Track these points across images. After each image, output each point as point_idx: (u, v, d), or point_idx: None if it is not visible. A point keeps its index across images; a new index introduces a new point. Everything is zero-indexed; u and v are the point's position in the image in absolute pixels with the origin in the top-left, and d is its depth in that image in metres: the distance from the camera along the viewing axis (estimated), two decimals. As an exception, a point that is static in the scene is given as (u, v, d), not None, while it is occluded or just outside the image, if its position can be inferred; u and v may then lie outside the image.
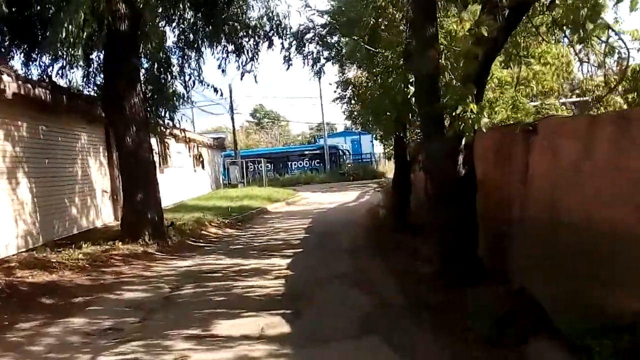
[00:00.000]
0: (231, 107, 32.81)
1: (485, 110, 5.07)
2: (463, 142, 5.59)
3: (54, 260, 8.72)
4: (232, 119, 32.94)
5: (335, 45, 18.37)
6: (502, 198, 5.99)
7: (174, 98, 12.12)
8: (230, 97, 32.93)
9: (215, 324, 5.54)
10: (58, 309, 6.45)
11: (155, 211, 11.30)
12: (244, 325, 5.42)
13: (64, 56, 10.13)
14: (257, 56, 13.59)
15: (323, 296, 6.59)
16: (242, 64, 13.70)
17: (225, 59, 13.62)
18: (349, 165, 42.63)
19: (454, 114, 5.05)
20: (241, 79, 13.63)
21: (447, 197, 5.78)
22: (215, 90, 13.08)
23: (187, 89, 12.65)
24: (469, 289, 5.33)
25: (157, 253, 10.46)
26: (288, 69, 16.73)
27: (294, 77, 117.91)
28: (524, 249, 5.42)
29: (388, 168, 44.97)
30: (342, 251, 9.83)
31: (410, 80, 7.44)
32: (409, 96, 7.18)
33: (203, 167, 27.54)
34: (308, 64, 17.65)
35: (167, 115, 12.38)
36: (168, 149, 20.77)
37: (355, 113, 31.65)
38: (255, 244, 11.66)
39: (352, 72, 28.60)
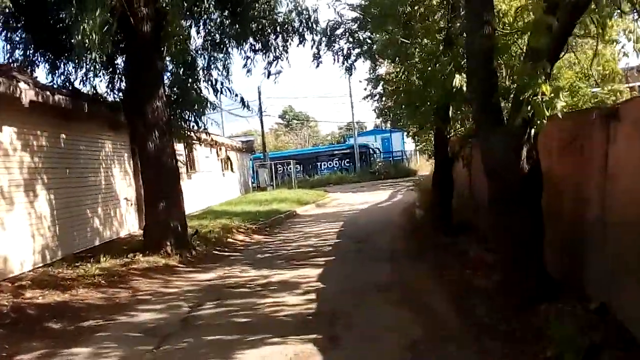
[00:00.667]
0: (260, 110, 32.17)
1: (562, 92, 4.06)
2: (530, 132, 4.58)
3: (69, 277, 8.05)
4: (261, 120, 32.31)
5: (367, 40, 17.41)
6: (573, 197, 4.97)
7: (200, 102, 11.36)
8: (259, 99, 32.33)
9: (235, 354, 4.70)
10: (64, 336, 5.72)
11: (178, 220, 10.57)
12: (269, 357, 4.56)
13: (86, 61, 9.58)
14: (285, 53, 12.75)
15: (361, 316, 5.65)
16: (269, 62, 12.87)
17: (252, 59, 12.83)
18: (380, 164, 41.49)
19: (521, 97, 4.08)
20: (267, 77, 12.73)
21: (511, 198, 4.79)
22: (243, 101, 12.32)
23: (216, 94, 11.89)
24: (541, 308, 4.34)
25: (179, 265, 9.73)
26: (318, 66, 15.86)
27: (324, 77, 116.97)
28: (604, 257, 4.41)
29: (420, 166, 43.73)
30: (379, 257, 8.89)
31: (460, 65, 6.48)
32: (454, 84, 6.19)
33: (232, 170, 26.96)
34: (338, 61, 16.75)
35: (192, 119, 11.64)
36: (195, 153, 20.17)
37: (387, 110, 30.68)
38: (283, 252, 10.82)
39: (383, 68, 27.70)
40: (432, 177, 9.75)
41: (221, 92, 11.68)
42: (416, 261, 7.89)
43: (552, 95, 3.82)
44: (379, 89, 31.15)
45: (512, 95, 4.80)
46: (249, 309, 6.29)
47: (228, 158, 25.17)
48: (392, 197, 23.12)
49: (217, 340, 5.20)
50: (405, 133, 40.72)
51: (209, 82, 11.72)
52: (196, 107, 11.04)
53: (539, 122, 4.06)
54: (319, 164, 41.68)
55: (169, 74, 11.44)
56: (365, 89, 32.26)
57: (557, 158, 5.34)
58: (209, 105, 11.49)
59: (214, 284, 8.00)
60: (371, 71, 29.87)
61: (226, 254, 11.15)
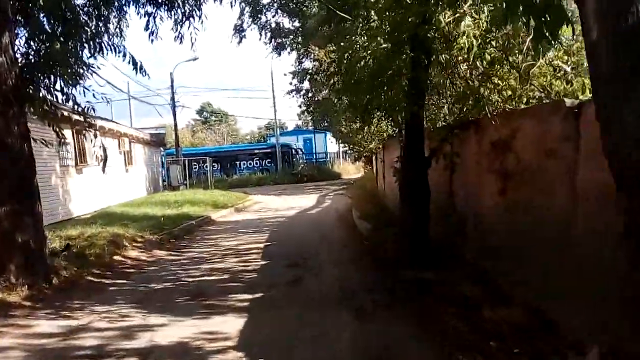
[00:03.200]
0: (172, 99, 28.11)
1: None
2: None
3: None
4: (174, 110, 28.19)
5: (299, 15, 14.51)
6: None
7: (68, 62, 7.70)
8: (172, 87, 28.27)
9: None
10: None
11: (32, 232, 7.01)
12: None
13: None
14: (197, 10, 9.44)
15: None
16: (177, 22, 9.51)
17: (154, 16, 9.39)
18: (303, 166, 38.75)
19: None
20: (179, 41, 9.41)
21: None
22: (135, 63, 8.67)
23: (95, 51, 8.23)
24: None
25: (23, 302, 6.25)
26: (240, 42, 12.72)
27: (244, 71, 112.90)
28: None
29: (344, 168, 41.64)
30: (330, 301, 5.89)
31: None
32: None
33: (137, 166, 22.97)
34: (265, 37, 13.61)
35: (59, 89, 7.91)
36: (88, 143, 16.22)
37: (314, 105, 27.77)
38: (189, 280, 7.56)
39: (309, 63, 24.79)
40: (400, 183, 6.94)
41: (100, 50, 8.12)
42: (396, 319, 4.95)
43: None
44: (306, 83, 28.52)
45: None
46: None
47: (130, 151, 21.20)
48: (321, 203, 20.31)
49: None
50: (331, 134, 38.39)
51: (89, 41, 8.14)
52: (65, 69, 7.42)
53: None
54: (238, 163, 38.21)
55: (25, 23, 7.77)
56: (290, 83, 29.58)
57: None
58: (84, 69, 7.89)
59: (56, 349, 4.66)
60: (297, 63, 27.17)
61: (106, 281, 7.72)
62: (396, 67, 6.31)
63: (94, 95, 8.32)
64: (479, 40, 5.11)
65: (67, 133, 15.51)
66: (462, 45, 5.07)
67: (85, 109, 8.68)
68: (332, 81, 13.74)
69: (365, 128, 19.81)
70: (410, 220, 6.66)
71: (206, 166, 30.66)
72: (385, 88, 6.71)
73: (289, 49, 25.19)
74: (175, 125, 28.87)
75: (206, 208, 17.23)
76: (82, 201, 15.96)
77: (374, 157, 23.43)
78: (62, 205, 14.70)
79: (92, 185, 16.99)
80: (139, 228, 11.93)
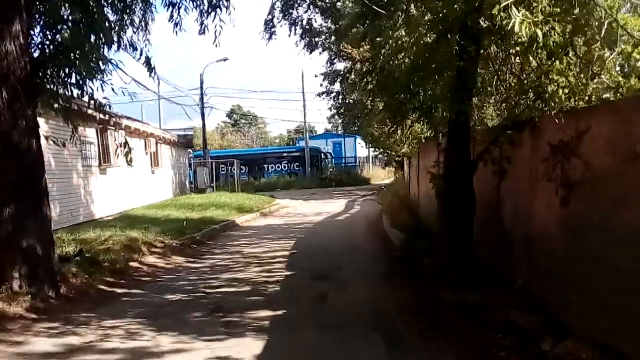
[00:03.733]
0: (201, 100, 27.76)
1: None
2: None
3: None
4: (202, 111, 27.82)
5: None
6: None
7: (88, 55, 7.18)
8: (201, 87, 27.93)
9: None
10: None
11: (38, 235, 6.50)
12: None
13: None
14: (223, 2, 8.79)
15: None
16: (203, 12, 8.85)
17: (179, 6, 8.78)
18: (331, 170, 38.07)
19: None
20: (202, 32, 8.70)
21: None
22: (148, 62, 7.98)
23: (111, 42, 7.65)
24: None
25: (25, 314, 5.73)
26: (270, 38, 12.17)
27: (274, 75, 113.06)
28: None
29: (373, 174, 40.80)
30: (359, 325, 5.16)
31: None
32: None
33: (164, 167, 22.68)
34: (295, 33, 13.04)
35: (75, 83, 7.39)
36: (113, 142, 15.89)
37: (345, 107, 26.94)
38: (206, 292, 6.95)
39: (342, 64, 24.11)
40: (440, 190, 6.18)
41: (120, 45, 7.57)
42: (436, 350, 4.20)
43: None
44: (336, 85, 27.83)
45: None
46: None
47: (156, 152, 20.89)
48: (349, 208, 19.59)
49: None
50: (361, 138, 37.63)
51: (111, 33, 7.60)
52: (82, 61, 6.90)
53: None
54: (266, 166, 37.76)
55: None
56: (321, 85, 28.91)
57: None
58: (101, 62, 7.33)
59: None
60: (328, 64, 26.48)
61: (119, 290, 7.18)
62: (441, 59, 5.58)
63: (113, 89, 7.74)
64: (542, 29, 4.34)
65: (91, 132, 15.31)
66: (521, 35, 4.31)
67: (103, 105, 8.15)
68: (365, 80, 13.05)
69: (398, 131, 19.10)
70: (451, 233, 5.90)
71: (233, 169, 30.26)
72: (426, 84, 6.00)
73: (320, 49, 24.56)
74: (204, 126, 28.56)
75: (231, 212, 16.71)
76: (105, 202, 15.63)
77: (405, 162, 22.60)
78: (83, 206, 14.38)
79: (116, 186, 16.67)
80: (159, 232, 11.43)
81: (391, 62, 9.42)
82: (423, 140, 12.75)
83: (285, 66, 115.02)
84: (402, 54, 8.89)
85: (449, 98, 5.66)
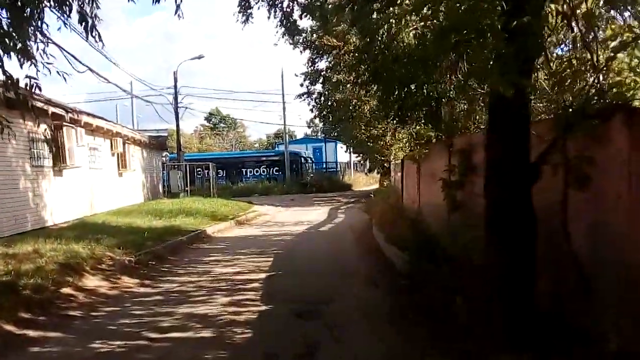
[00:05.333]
0: (175, 98, 25.46)
1: None
2: None
3: None
4: (176, 111, 25.48)
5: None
6: None
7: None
8: (175, 86, 25.67)
9: None
10: None
11: None
12: None
13: None
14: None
15: None
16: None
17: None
18: (312, 175, 36.14)
19: None
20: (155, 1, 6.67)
21: None
22: (86, 23, 5.91)
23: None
24: None
25: None
26: (246, 21, 10.08)
27: (253, 78, 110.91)
28: None
29: (355, 180, 39.02)
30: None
31: None
32: None
33: (133, 170, 20.46)
34: (275, 16, 10.87)
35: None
36: (69, 140, 13.70)
37: (334, 102, 24.66)
38: (151, 339, 4.94)
39: (323, 63, 22.36)
40: (489, 207, 4.21)
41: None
42: None
43: None
44: (318, 86, 25.91)
45: None
46: None
47: (124, 153, 18.68)
48: (333, 217, 17.67)
49: None
50: (343, 142, 35.80)
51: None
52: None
53: None
54: (244, 170, 35.63)
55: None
56: (301, 85, 26.98)
57: None
58: (38, 36, 5.23)
59: None
60: (309, 64, 24.60)
61: (33, 334, 5.11)
62: (487, 13, 3.70)
63: (35, 66, 5.62)
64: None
65: (43, 129, 13.13)
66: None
67: (30, 87, 6.03)
68: (356, 72, 11.20)
69: (388, 135, 17.29)
70: (504, 267, 4.00)
71: (209, 173, 28.07)
72: (431, 73, 4.16)
73: (301, 47, 22.70)
74: (178, 127, 26.30)
75: (203, 220, 14.64)
76: (60, 207, 13.43)
77: (394, 168, 20.77)
78: (32, 212, 12.16)
79: (74, 190, 14.46)
80: (113, 244, 9.38)
81: (391, 47, 7.66)
82: (421, 144, 10.91)
83: (264, 69, 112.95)
84: (404, 34, 7.16)
85: (497, 71, 3.76)
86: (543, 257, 4.20)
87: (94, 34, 5.48)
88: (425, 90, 9.05)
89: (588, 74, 4.31)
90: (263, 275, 7.77)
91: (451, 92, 9.13)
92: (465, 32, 3.94)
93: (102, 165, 17.35)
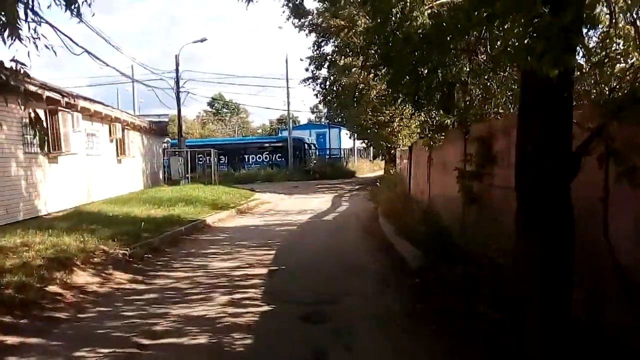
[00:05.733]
0: (176, 82, 24.73)
1: None
2: None
3: None
4: (177, 95, 24.78)
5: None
6: None
7: None
8: (177, 70, 24.90)
9: None
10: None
11: None
12: None
13: None
14: None
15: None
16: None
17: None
18: (315, 162, 35.57)
19: None
20: None
21: None
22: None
23: None
24: None
25: None
26: (249, 1, 9.53)
27: (257, 64, 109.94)
28: None
29: (359, 166, 38.47)
30: None
31: None
32: None
33: (133, 157, 19.96)
34: (280, -6, 10.57)
35: None
36: (64, 125, 13.17)
37: (339, 87, 23.79)
38: (142, 345, 4.44)
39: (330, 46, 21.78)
40: (522, 202, 3.64)
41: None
42: None
43: None
44: (323, 71, 25.20)
45: None
46: None
47: (122, 139, 18.16)
48: (337, 206, 17.16)
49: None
50: (347, 129, 35.15)
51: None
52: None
53: None
54: (247, 156, 35.06)
55: None
56: (307, 70, 26.25)
57: None
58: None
59: None
60: (315, 47, 23.88)
61: (11, 340, 4.60)
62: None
63: (21, 41, 5.01)
64: None
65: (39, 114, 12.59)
66: None
67: (16, 69, 5.47)
68: (365, 54, 10.61)
69: (396, 121, 16.71)
70: (533, 270, 3.48)
71: (211, 159, 27.52)
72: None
73: (307, 30, 21.98)
74: (179, 112, 25.66)
75: (203, 209, 14.15)
76: (55, 196, 12.96)
77: (399, 155, 20.19)
78: (25, 201, 11.69)
79: (70, 178, 13.98)
80: (107, 236, 8.92)
81: (404, 28, 7.10)
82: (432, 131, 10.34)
83: (269, 54, 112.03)
84: (419, 13, 6.63)
85: (540, 47, 3.18)
86: (577, 260, 3.67)
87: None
88: (440, 74, 8.48)
89: (636, 53, 3.77)
90: (264, 271, 7.28)
91: (466, 76, 8.56)
92: (500, 2, 3.37)
93: (100, 152, 16.85)
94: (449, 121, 7.13)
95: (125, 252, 8.14)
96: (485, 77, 8.82)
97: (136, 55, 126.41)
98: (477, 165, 6.65)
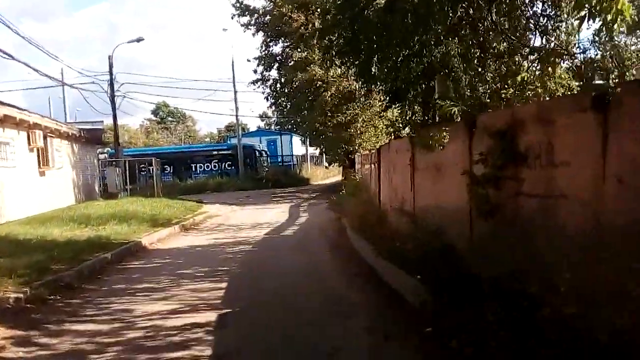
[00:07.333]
0: (110, 84, 22.11)
1: None
2: None
3: None
4: (112, 99, 22.09)
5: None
6: None
7: None
8: (110, 72, 22.32)
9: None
10: None
11: None
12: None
13: None
14: None
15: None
16: None
17: None
18: (267, 170, 33.55)
19: None
20: None
21: None
22: None
23: None
24: None
25: None
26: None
27: (203, 72, 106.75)
28: None
29: (312, 173, 36.89)
30: None
31: None
32: None
33: (59, 168, 17.32)
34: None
35: None
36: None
37: (292, 88, 21.59)
38: None
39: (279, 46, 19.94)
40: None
41: None
42: None
43: None
44: (273, 72, 23.28)
45: None
46: None
47: (44, 148, 15.58)
48: (295, 217, 15.24)
49: None
50: (299, 134, 33.45)
51: None
52: None
53: None
54: (194, 165, 32.64)
55: None
56: (255, 71, 24.21)
57: None
58: None
59: None
60: (263, 47, 21.95)
61: None
62: None
63: None
64: None
65: None
66: None
67: None
68: (329, 40, 8.82)
69: (360, 119, 15.01)
70: None
71: (154, 170, 24.93)
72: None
73: (253, 30, 20.11)
74: (115, 117, 22.93)
75: (139, 227, 11.87)
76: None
77: (359, 159, 18.52)
78: None
79: (-27, 194, 11.42)
80: (5, 269, 6.66)
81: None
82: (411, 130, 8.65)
83: (215, 60, 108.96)
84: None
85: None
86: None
87: None
88: (424, 58, 6.87)
89: None
90: (213, 316, 5.26)
91: (455, 60, 6.96)
92: None
93: (16, 163, 14.25)
94: (456, 110, 5.39)
95: (20, 295, 5.92)
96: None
97: (75, 64, 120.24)
98: (492, 167, 4.92)
